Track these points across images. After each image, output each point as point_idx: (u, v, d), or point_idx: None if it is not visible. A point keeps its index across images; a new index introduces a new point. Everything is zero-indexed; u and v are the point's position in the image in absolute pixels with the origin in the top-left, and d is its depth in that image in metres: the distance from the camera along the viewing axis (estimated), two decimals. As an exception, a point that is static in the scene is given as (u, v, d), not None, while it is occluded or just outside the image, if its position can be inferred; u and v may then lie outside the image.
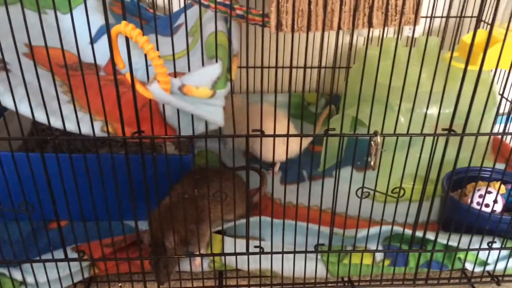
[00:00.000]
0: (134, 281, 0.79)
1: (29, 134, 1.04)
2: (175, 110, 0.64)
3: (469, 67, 0.62)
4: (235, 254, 0.74)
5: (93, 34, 0.94)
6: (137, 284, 0.80)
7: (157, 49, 0.61)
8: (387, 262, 0.80)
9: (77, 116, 0.62)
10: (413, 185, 0.72)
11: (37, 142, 0.85)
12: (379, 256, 0.80)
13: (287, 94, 1.46)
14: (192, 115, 0.63)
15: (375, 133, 0.65)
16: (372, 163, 0.65)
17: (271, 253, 0.74)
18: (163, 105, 0.64)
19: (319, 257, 0.78)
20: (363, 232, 0.77)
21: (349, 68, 0.65)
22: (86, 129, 0.65)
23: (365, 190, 0.67)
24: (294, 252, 0.75)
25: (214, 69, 0.59)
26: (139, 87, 0.59)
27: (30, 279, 0.74)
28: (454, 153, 0.68)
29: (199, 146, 1.15)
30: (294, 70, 1.42)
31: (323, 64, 1.41)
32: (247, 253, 0.74)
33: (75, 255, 0.73)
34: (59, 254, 0.73)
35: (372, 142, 0.64)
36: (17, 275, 0.74)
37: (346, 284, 0.81)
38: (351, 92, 1.14)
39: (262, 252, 0.74)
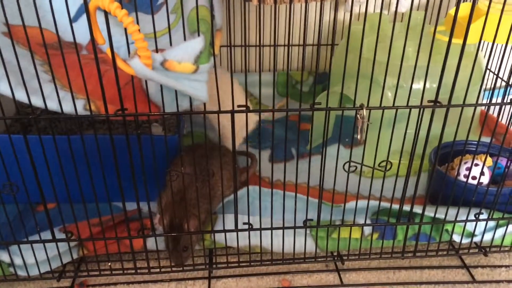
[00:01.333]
0: (124, 261, 0.79)
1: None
2: (159, 87, 0.63)
3: (453, 40, 0.62)
4: (224, 231, 0.74)
5: (73, 12, 0.92)
6: (127, 264, 0.80)
7: (139, 28, 0.60)
8: (375, 236, 0.80)
9: (58, 94, 0.61)
10: (400, 160, 0.72)
11: (21, 124, 0.85)
12: (367, 230, 0.80)
13: (271, 73, 1.45)
14: (176, 92, 0.63)
15: (361, 106, 0.64)
16: (358, 137, 0.65)
17: (260, 229, 0.74)
18: (146, 82, 0.63)
19: (308, 232, 0.78)
20: (351, 204, 0.77)
21: (334, 45, 0.64)
22: (68, 108, 0.64)
23: (352, 164, 0.67)
24: (283, 228, 0.75)
25: (196, 44, 0.58)
26: (120, 63, 0.58)
27: (18, 261, 0.74)
28: (440, 128, 0.68)
29: (187, 127, 1.14)
30: (279, 48, 1.40)
31: (308, 42, 1.40)
32: (236, 229, 0.74)
33: (63, 236, 0.73)
34: (46, 235, 0.73)
35: (358, 116, 0.64)
36: (4, 257, 0.73)
37: (336, 258, 0.81)
38: (338, 69, 1.13)
39: (251, 228, 0.74)
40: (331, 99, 0.67)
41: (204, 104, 0.63)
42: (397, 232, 0.81)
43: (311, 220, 0.75)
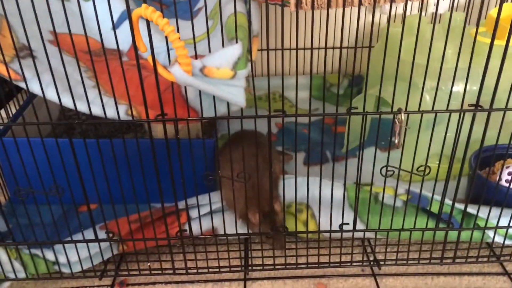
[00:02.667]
0: (162, 261, 0.81)
1: (57, 120, 1.06)
2: (197, 92, 0.65)
3: (496, 42, 0.61)
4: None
5: (115, 20, 0.95)
6: (165, 264, 0.82)
7: (179, 36, 0.62)
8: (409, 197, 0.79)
9: (102, 100, 0.64)
10: (439, 164, 0.71)
11: (65, 128, 0.88)
12: (401, 189, 0.78)
13: (308, 76, 1.45)
14: (214, 97, 0.64)
15: (399, 110, 0.64)
16: (396, 141, 0.65)
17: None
18: (185, 88, 0.64)
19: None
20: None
21: (371, 47, 0.64)
22: (111, 113, 0.66)
23: (389, 168, 0.67)
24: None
25: (234, 50, 0.59)
26: (161, 70, 0.60)
27: (62, 259, 0.77)
28: (480, 132, 0.67)
29: (222, 130, 1.16)
30: (315, 51, 1.40)
31: (344, 44, 1.39)
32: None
33: (104, 234, 0.75)
34: (88, 233, 0.76)
35: (396, 120, 0.64)
36: (50, 255, 0.77)
37: (372, 263, 0.81)
38: (374, 71, 1.12)
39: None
40: (368, 102, 0.67)
41: (241, 109, 0.64)
42: (432, 202, 0.79)
43: (347, 224, 0.75)
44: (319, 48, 1.40)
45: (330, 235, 0.76)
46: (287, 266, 0.80)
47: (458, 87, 0.80)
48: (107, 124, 0.96)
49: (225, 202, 0.81)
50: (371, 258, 0.82)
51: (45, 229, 0.74)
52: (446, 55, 0.65)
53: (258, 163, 0.70)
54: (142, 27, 0.58)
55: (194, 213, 0.78)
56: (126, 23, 0.95)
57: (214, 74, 0.59)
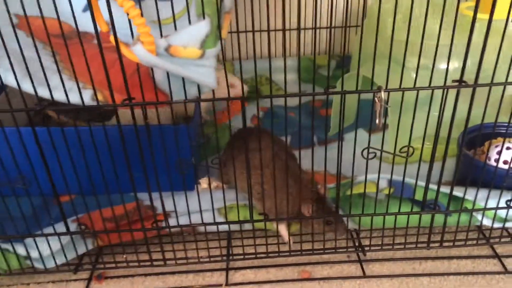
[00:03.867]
0: (139, 253, 0.78)
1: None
2: (166, 74, 0.61)
3: (480, 16, 0.57)
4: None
5: (84, 1, 0.90)
6: (143, 256, 0.79)
7: (158, 11, 0.58)
8: (391, 190, 0.75)
9: (63, 85, 0.60)
10: (422, 144, 0.67)
11: (42, 117, 0.84)
12: (383, 183, 0.75)
13: (295, 58, 1.41)
14: (183, 79, 0.60)
15: (379, 88, 0.60)
16: (377, 121, 0.61)
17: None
18: (153, 70, 0.60)
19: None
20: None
21: (362, 26, 0.61)
22: (75, 99, 0.62)
23: (371, 150, 0.63)
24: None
25: (201, 27, 0.55)
26: (125, 50, 0.56)
27: (34, 254, 0.73)
28: (466, 111, 0.64)
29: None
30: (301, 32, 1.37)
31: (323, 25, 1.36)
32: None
33: (77, 228, 0.72)
34: (61, 227, 0.72)
35: (376, 99, 0.60)
36: (21, 250, 0.73)
37: (358, 248, 0.78)
38: (362, 51, 1.08)
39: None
40: (353, 83, 0.63)
41: (213, 90, 0.61)
42: (415, 190, 0.75)
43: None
44: (305, 29, 1.37)
45: (313, 221, 0.73)
46: (269, 255, 0.77)
47: (444, 65, 0.77)
48: (87, 112, 0.92)
49: (270, 213, 0.76)
50: (356, 244, 0.79)
51: (14, 222, 0.70)
52: (432, 31, 0.62)
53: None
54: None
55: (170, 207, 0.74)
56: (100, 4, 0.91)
57: (181, 53, 0.56)
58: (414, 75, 0.95)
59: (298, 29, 0.61)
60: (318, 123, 1.10)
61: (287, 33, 1.40)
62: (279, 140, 0.83)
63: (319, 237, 0.77)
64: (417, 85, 0.61)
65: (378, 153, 0.64)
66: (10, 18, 0.56)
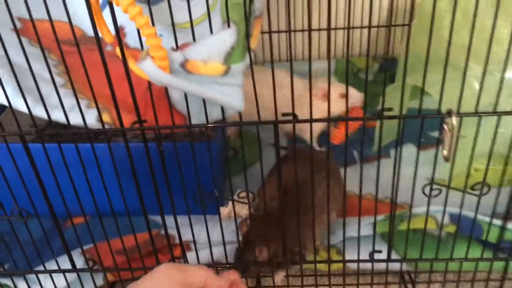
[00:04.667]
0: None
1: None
2: (183, 93, 0.50)
3: None
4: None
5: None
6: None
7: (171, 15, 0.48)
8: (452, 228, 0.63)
9: (62, 104, 0.50)
10: (487, 167, 0.54)
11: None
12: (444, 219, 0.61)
13: (324, 61, 1.29)
14: (204, 99, 0.49)
15: (449, 113, 0.48)
16: (445, 153, 0.49)
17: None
18: (167, 88, 0.50)
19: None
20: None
21: (409, 27, 0.48)
22: (76, 120, 0.53)
23: (436, 186, 0.51)
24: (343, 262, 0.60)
25: (226, 37, 0.44)
26: (133, 66, 0.45)
27: (37, 290, 0.65)
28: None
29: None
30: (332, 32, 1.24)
31: (373, 23, 1.22)
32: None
33: (83, 260, 0.63)
34: (65, 261, 0.63)
35: (444, 126, 0.48)
36: (22, 285, 0.65)
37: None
38: (411, 55, 0.95)
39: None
40: (398, 94, 0.51)
41: (239, 113, 0.50)
42: (483, 227, 0.63)
43: (380, 252, 0.59)
44: (353, 27, 1.24)
45: (358, 265, 0.61)
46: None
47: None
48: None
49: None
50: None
51: (11, 255, 0.61)
52: (500, 35, 0.50)
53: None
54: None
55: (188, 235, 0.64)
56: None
57: (200, 70, 0.44)
58: (477, 85, 0.82)
59: (347, 28, 0.49)
60: (357, 137, 0.98)
61: (323, 33, 1.27)
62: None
63: (366, 280, 0.65)
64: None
65: (444, 189, 0.52)
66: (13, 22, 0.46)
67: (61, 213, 0.56)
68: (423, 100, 0.51)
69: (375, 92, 1.20)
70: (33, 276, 0.64)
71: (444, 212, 0.56)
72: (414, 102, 1.02)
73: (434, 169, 0.50)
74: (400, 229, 0.66)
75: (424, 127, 0.49)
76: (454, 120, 0.47)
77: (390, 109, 0.49)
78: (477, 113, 0.48)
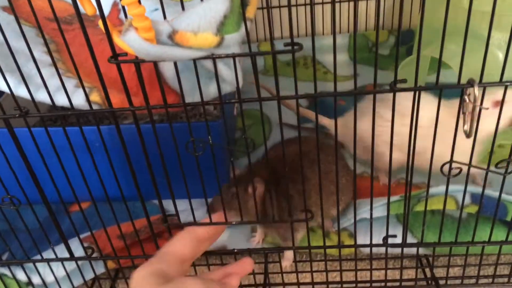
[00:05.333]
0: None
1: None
2: (176, 69, 0.46)
3: None
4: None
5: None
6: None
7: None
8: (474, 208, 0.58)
9: (46, 85, 0.46)
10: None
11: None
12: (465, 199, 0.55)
13: (346, 35, 1.22)
14: (197, 74, 0.45)
15: (470, 83, 0.42)
16: (466, 127, 0.44)
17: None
18: (156, 63, 0.46)
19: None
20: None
21: None
22: (60, 101, 0.49)
23: (455, 165, 0.46)
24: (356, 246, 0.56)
25: (218, 5, 0.39)
26: (117, 39, 0.41)
27: (36, 280, 0.63)
28: None
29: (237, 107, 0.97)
30: (351, 4, 1.18)
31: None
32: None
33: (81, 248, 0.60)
34: (64, 250, 0.61)
35: (466, 97, 0.43)
36: (20, 275, 0.63)
37: (430, 282, 0.61)
38: (427, 25, 0.89)
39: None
40: (420, 65, 0.46)
41: (238, 88, 0.45)
42: (507, 208, 0.58)
43: (394, 236, 0.55)
44: (341, 2, 1.18)
45: (371, 250, 0.57)
46: (315, 287, 0.62)
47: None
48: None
49: None
50: (428, 275, 0.62)
51: (7, 244, 0.59)
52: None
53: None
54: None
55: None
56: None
57: (190, 41, 0.40)
58: (500, 54, 0.76)
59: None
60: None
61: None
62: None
63: (380, 264, 0.61)
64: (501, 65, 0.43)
65: (465, 168, 0.47)
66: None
67: (66, 198, 0.53)
68: (441, 74, 0.46)
69: (390, 67, 1.14)
70: (31, 266, 0.62)
71: (465, 191, 0.51)
72: (433, 77, 0.96)
73: (453, 145, 0.46)
74: (416, 211, 0.61)
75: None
76: (476, 90, 0.42)
77: (404, 81, 0.44)
78: (502, 82, 0.43)
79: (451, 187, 0.50)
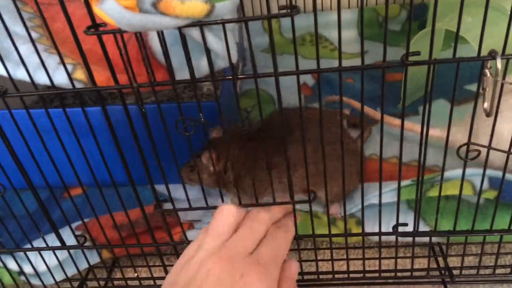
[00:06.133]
0: (151, 266, 0.62)
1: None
2: (164, 42, 0.42)
3: None
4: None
5: None
6: (155, 269, 0.64)
7: None
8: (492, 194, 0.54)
9: (24, 62, 0.43)
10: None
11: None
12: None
13: (355, 10, 1.17)
14: (186, 46, 0.41)
15: (492, 55, 0.38)
16: (486, 105, 0.39)
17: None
18: (140, 34, 0.42)
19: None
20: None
21: None
22: (41, 79, 0.45)
23: (473, 147, 0.42)
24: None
25: (207, -33, 0.35)
26: (96, 9, 0.37)
27: (27, 269, 0.60)
28: None
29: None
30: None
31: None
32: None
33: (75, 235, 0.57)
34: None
35: (486, 71, 0.38)
36: (12, 265, 0.60)
37: (443, 272, 0.57)
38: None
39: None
40: (435, 39, 0.42)
41: (232, 64, 0.41)
42: None
43: (405, 224, 0.51)
44: None
45: (380, 238, 0.53)
46: (333, 281, 0.58)
47: None
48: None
49: None
50: (441, 265, 0.58)
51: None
52: None
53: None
54: None
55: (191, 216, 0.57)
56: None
57: (177, 10, 0.36)
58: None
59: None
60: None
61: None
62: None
63: (390, 253, 0.57)
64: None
65: (484, 151, 0.43)
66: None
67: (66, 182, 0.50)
68: (458, 49, 0.41)
69: (402, 43, 1.08)
70: (23, 255, 0.59)
71: (483, 175, 0.46)
72: (448, 52, 0.91)
73: (471, 125, 0.41)
74: (429, 196, 0.57)
75: (459, 79, 0.40)
76: (499, 62, 0.37)
77: (417, 53, 0.39)
78: (528, 54, 0.38)
79: (468, 171, 0.46)
